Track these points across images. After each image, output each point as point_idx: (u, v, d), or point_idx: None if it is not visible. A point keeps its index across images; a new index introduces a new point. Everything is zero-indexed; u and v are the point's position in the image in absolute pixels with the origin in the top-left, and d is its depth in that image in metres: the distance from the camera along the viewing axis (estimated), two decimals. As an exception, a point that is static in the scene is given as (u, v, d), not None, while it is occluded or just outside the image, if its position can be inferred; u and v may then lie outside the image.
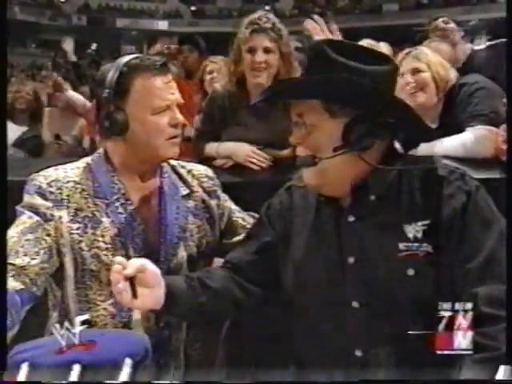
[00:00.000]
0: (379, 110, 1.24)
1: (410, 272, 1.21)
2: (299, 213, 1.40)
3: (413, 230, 1.23)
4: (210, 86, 3.14)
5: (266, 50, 2.25)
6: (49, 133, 3.87)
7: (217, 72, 3.21)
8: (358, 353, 1.25)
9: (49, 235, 1.44)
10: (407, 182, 1.28)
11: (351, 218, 1.30)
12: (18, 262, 1.36)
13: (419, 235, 1.23)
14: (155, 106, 1.47)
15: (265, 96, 1.40)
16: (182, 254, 1.54)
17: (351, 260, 1.28)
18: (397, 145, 1.36)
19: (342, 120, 1.24)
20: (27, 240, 1.40)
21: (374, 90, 1.24)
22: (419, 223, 1.23)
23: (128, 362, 1.04)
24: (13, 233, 1.40)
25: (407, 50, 2.30)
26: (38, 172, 1.51)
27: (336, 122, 1.25)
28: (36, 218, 1.44)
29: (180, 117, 1.50)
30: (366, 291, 1.25)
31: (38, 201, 1.46)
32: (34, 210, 1.45)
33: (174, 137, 1.51)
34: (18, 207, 1.47)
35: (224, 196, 1.69)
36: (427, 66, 2.22)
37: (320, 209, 1.36)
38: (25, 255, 1.38)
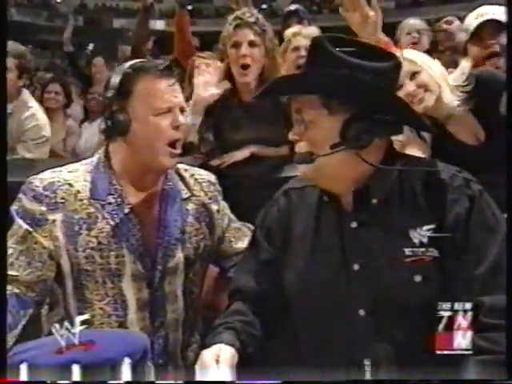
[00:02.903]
0: (378, 108, 1.22)
1: (418, 278, 1.20)
2: (299, 216, 1.38)
3: (418, 234, 1.22)
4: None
5: (251, 44, 2.26)
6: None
7: (206, 66, 3.20)
8: (367, 361, 1.24)
9: (36, 243, 1.48)
10: (408, 184, 1.26)
11: (354, 224, 1.28)
12: (13, 273, 1.44)
13: (425, 240, 1.22)
14: (157, 107, 1.49)
15: (264, 91, 1.40)
16: (179, 255, 1.55)
17: (356, 267, 1.26)
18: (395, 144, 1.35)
19: (340, 117, 1.23)
20: (21, 251, 1.47)
21: (373, 87, 1.23)
22: (424, 228, 1.22)
23: (127, 361, 1.04)
24: (9, 243, 1.45)
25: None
26: (35, 175, 1.53)
27: (334, 119, 1.23)
28: (25, 226, 1.48)
29: (181, 119, 1.52)
30: (373, 299, 1.24)
31: (33, 206, 1.49)
32: (27, 216, 1.48)
33: (175, 141, 1.51)
34: (12, 210, 1.50)
35: (224, 203, 1.71)
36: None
37: (321, 213, 1.34)
38: (19, 266, 1.46)
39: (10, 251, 1.45)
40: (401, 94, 1.94)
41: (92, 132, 3.95)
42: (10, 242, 1.46)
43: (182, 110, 1.55)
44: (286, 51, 2.70)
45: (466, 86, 2.04)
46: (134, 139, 1.51)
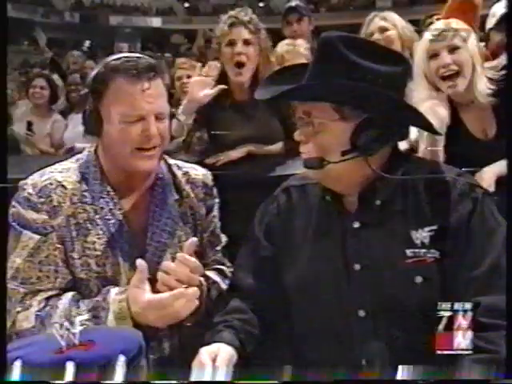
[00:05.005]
0: (390, 116, 1.22)
1: (418, 279, 1.20)
2: (300, 215, 1.37)
3: (420, 235, 1.22)
4: (182, 91, 3.13)
5: (246, 43, 2.27)
6: (21, 124, 3.81)
7: (186, 78, 3.20)
8: (364, 362, 1.24)
9: (55, 249, 1.43)
10: (412, 185, 1.26)
11: (356, 224, 1.28)
12: (46, 286, 1.40)
13: (426, 241, 1.21)
14: (125, 113, 1.38)
15: (271, 95, 1.33)
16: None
17: (357, 267, 1.26)
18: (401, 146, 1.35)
19: (352, 122, 1.22)
20: (40, 262, 1.41)
21: (386, 97, 1.21)
22: (426, 229, 1.22)
23: (122, 359, 1.03)
24: (21, 258, 1.40)
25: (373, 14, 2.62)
26: (25, 180, 1.48)
27: (346, 124, 1.22)
28: (35, 236, 1.42)
29: (153, 130, 1.39)
30: (373, 299, 1.23)
31: (32, 215, 1.42)
32: (29, 225, 1.42)
33: (147, 149, 1.41)
34: (11, 221, 1.43)
35: (216, 209, 1.64)
36: (393, 25, 2.49)
37: (323, 213, 1.33)
38: (47, 277, 1.41)
39: (26, 265, 1.39)
40: (434, 63, 1.97)
41: (78, 123, 3.91)
42: (24, 257, 1.40)
43: (159, 118, 1.41)
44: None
45: (500, 81, 1.97)
46: (106, 140, 1.45)
